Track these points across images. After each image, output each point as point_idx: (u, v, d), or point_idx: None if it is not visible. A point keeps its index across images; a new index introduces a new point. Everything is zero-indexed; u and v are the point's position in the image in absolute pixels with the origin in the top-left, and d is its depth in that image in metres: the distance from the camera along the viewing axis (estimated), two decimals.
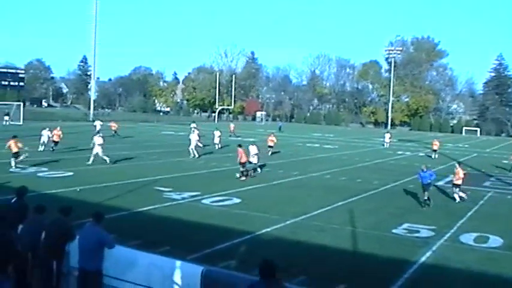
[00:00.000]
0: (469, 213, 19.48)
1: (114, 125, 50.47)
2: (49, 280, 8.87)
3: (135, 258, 9.16)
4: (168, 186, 21.86)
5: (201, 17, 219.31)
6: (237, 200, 19.80)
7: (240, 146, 27.27)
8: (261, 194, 21.97)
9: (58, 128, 35.00)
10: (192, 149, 34.61)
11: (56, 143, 33.81)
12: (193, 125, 51.62)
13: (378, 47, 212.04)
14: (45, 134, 34.35)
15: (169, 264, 8.74)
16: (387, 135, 56.68)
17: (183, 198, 19.70)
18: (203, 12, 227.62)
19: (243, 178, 25.42)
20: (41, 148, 33.49)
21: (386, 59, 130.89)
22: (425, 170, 21.41)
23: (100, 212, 9.13)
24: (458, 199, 21.93)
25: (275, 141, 39.58)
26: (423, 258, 13.26)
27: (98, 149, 28.41)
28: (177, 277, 8.55)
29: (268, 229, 15.57)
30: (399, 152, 48.31)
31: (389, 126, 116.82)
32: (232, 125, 63.62)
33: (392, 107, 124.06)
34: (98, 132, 33.36)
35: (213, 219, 16.42)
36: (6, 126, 57.69)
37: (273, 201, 20.17)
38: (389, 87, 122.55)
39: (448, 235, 15.79)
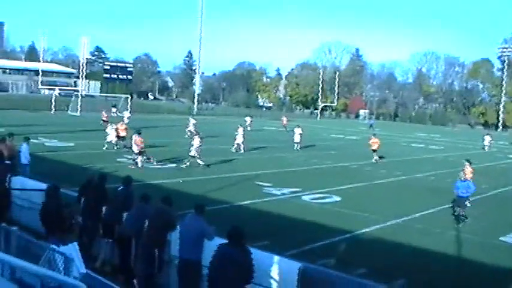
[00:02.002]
0: None
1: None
2: (151, 267, 9.18)
3: None
4: (268, 181, 21.98)
5: (305, 13, 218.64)
6: (337, 198, 19.60)
7: (138, 133, 24.51)
8: (362, 193, 21.61)
9: (121, 123, 31.84)
10: (238, 143, 32.84)
11: (122, 138, 30.21)
12: (247, 118, 51.96)
13: (490, 45, 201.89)
14: (111, 132, 30.17)
15: (267, 259, 8.74)
16: (487, 138, 53.11)
17: (283, 194, 19.76)
18: (308, 7, 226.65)
19: (133, 167, 23.19)
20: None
21: (500, 57, 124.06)
22: (463, 179, 17.71)
23: (202, 203, 9.33)
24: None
25: (379, 143, 33.39)
26: None
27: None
28: (275, 272, 8.53)
29: (368, 229, 15.29)
30: (511, 156, 45.76)
31: (500, 128, 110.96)
32: (285, 118, 60.19)
33: (504, 108, 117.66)
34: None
35: (312, 216, 16.34)
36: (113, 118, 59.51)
37: (374, 201, 19.79)
38: (502, 86, 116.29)
39: None
